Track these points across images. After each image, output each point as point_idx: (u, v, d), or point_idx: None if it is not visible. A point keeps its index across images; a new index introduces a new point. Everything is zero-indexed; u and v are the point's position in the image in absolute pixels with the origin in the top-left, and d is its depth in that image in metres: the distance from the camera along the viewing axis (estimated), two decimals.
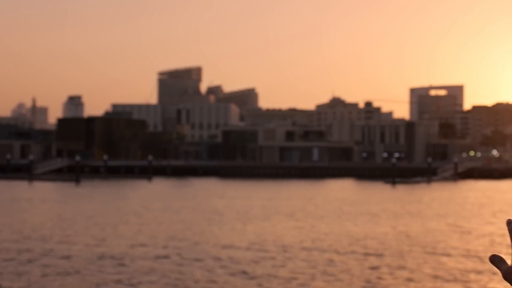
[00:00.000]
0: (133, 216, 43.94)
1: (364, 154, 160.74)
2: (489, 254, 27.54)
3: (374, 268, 24.28)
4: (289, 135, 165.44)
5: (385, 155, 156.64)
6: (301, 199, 61.24)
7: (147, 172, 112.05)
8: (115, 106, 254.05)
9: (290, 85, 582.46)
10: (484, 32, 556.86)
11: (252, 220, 41.58)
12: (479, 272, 23.55)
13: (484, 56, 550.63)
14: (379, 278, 22.40)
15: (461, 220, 42.14)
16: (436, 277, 22.64)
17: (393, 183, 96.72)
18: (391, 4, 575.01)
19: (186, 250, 28.80)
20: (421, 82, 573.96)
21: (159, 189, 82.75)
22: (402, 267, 24.41)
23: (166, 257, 27.12)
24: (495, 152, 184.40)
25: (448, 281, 21.98)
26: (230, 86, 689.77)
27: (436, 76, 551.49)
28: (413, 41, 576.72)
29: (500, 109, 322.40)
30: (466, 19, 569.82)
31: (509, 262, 1.98)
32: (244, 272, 23.53)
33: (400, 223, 40.16)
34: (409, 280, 22.13)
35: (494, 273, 22.94)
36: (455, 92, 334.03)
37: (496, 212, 48.76)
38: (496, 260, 1.97)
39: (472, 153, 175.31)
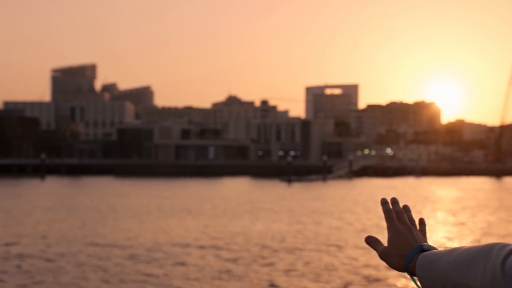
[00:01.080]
0: (23, 215, 43.07)
1: (260, 152, 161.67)
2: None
3: (269, 264, 24.46)
4: (185, 134, 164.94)
5: (281, 153, 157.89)
6: (197, 198, 61.21)
7: (40, 171, 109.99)
8: (6, 103, 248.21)
9: (186, 83, 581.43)
10: (378, 31, 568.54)
11: (147, 218, 41.32)
12: (369, 266, 24.02)
13: (378, 55, 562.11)
14: (273, 270, 22.59)
15: (354, 216, 42.88)
16: (327, 269, 22.97)
17: (289, 181, 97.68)
18: (287, 3, 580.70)
19: (71, 249, 28.43)
20: (316, 81, 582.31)
21: (52, 188, 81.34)
22: (296, 262, 24.67)
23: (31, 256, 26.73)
24: (389, 150, 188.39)
25: (339, 274, 22.33)
26: (125, 83, 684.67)
27: (331, 75, 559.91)
28: (308, 40, 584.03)
29: (393, 108, 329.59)
30: (360, 18, 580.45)
31: (385, 243, 2.07)
32: (140, 272, 23.39)
33: (296, 220, 40.58)
34: (302, 275, 22.40)
35: (388, 268, 23.42)
36: (350, 91, 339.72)
37: None
38: (372, 241, 2.10)
39: (366, 151, 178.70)
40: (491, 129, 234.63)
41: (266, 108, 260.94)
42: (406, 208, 2.14)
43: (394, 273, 22.23)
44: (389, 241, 2.05)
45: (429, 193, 71.32)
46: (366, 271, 22.90)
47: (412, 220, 2.12)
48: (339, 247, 28.73)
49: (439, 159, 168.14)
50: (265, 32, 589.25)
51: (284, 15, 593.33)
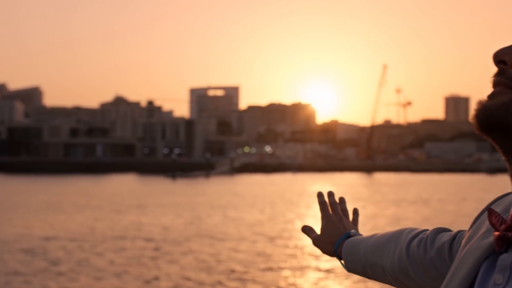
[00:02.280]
0: None
1: (146, 150, 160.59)
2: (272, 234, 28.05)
3: (152, 258, 24.24)
4: (74, 132, 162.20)
5: (166, 151, 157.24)
6: (86, 194, 60.23)
7: None
8: None
9: (74, 84, 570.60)
10: (258, 36, 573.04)
11: (35, 214, 40.36)
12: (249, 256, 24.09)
13: (258, 59, 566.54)
14: (163, 262, 22.40)
15: (236, 210, 43.01)
16: (212, 259, 22.93)
17: (174, 177, 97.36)
18: (173, 5, 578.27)
19: None
20: (200, 82, 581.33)
21: None
22: (181, 253, 24.54)
23: None
24: (268, 148, 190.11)
25: (224, 264, 22.32)
26: (15, 83, 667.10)
27: (214, 77, 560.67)
28: (193, 43, 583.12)
29: (272, 109, 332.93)
30: (241, 23, 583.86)
31: (318, 231, 2.18)
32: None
33: (181, 214, 40.41)
34: (188, 265, 22.29)
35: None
36: (232, 93, 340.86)
37: (269, 202, 50.20)
38: (306, 230, 2.21)
39: (247, 149, 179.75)
40: (362, 129, 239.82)
41: (151, 108, 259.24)
42: (341, 199, 2.24)
43: (269, 263, 22.40)
44: (321, 229, 2.15)
45: (306, 188, 72.29)
46: (249, 260, 22.95)
47: (345, 211, 2.22)
48: (221, 239, 28.73)
49: (315, 156, 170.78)
50: (151, 34, 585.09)
51: (169, 19, 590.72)
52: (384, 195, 59.31)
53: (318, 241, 2.16)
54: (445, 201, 51.13)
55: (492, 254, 1.27)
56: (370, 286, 17.93)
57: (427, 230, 1.83)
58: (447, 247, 1.65)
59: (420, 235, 1.80)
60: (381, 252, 1.90)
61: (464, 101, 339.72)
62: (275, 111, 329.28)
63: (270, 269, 21.46)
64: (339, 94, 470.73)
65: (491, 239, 1.29)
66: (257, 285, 18.77)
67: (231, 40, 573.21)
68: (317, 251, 20.03)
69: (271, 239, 28.80)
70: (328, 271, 20.83)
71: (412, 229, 1.87)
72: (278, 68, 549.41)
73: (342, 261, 2.07)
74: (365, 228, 31.40)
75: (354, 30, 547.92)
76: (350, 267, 2.03)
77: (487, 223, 1.36)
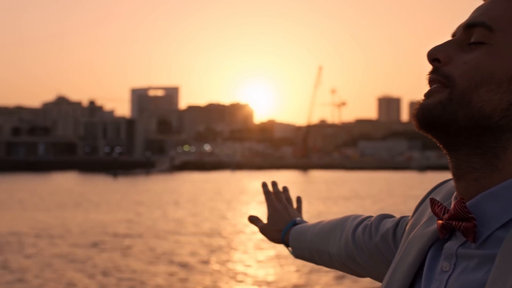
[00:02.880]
0: None
1: (88, 149, 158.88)
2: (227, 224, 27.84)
3: (88, 256, 23.87)
4: (16, 131, 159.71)
5: (107, 150, 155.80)
6: (28, 192, 59.20)
7: None
8: None
9: (16, 83, 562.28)
10: (198, 37, 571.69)
11: None
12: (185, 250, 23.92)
13: (198, 60, 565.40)
14: (109, 257, 22.06)
15: (176, 208, 42.74)
16: (151, 253, 22.68)
17: (115, 175, 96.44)
18: (115, 7, 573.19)
19: None
20: (141, 82, 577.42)
21: None
22: (123, 247, 24.24)
23: None
24: (207, 147, 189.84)
25: (166, 257, 22.10)
26: None
27: (155, 78, 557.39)
28: (134, 43, 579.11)
29: (211, 108, 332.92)
30: (181, 25, 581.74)
31: (264, 221, 2.19)
32: None
33: (119, 211, 39.97)
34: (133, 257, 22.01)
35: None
36: (172, 93, 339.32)
37: (208, 199, 50.01)
38: (253, 219, 2.23)
39: (186, 147, 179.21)
40: (298, 128, 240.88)
41: (93, 107, 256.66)
42: (285, 189, 2.25)
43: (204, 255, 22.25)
44: (268, 218, 2.16)
45: (244, 186, 72.27)
46: (188, 255, 22.78)
47: (289, 199, 2.23)
48: (161, 236, 28.47)
49: (252, 155, 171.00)
50: (93, 35, 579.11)
51: (111, 21, 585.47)
52: (319, 192, 59.58)
53: (265, 230, 2.16)
54: (377, 198, 51.60)
55: (436, 241, 1.30)
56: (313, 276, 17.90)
57: (371, 216, 1.83)
58: (391, 233, 1.66)
59: (365, 222, 1.81)
60: (327, 238, 1.91)
61: (396, 101, 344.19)
62: (214, 111, 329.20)
63: (209, 264, 21.31)
64: (276, 94, 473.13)
65: (434, 226, 1.31)
66: (199, 277, 18.60)
67: (172, 42, 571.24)
68: (262, 241, 19.81)
69: (209, 235, 28.65)
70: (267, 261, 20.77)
71: (357, 216, 1.89)
72: (217, 69, 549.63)
73: (290, 248, 2.08)
74: None
75: (291, 33, 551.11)
76: (298, 254, 2.04)
77: (429, 211, 1.39)
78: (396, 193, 57.29)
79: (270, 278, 18.47)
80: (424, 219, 1.40)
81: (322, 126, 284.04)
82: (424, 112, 1.24)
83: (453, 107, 1.21)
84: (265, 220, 2.20)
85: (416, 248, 1.33)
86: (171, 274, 19.34)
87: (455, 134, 1.22)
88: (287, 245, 2.10)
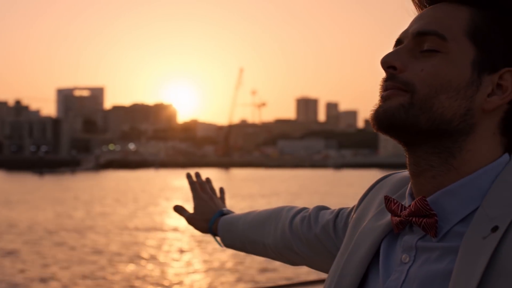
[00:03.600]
0: None
1: (14, 148, 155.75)
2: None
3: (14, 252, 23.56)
4: None
5: (33, 148, 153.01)
6: None
7: None
8: None
9: None
10: (124, 39, 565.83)
11: None
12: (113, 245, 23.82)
13: (123, 60, 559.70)
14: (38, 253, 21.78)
15: (101, 205, 42.36)
16: (70, 254, 22.50)
17: (41, 173, 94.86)
18: (41, 6, 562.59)
19: None
20: (67, 83, 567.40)
21: None
22: (51, 244, 23.96)
23: None
24: (132, 146, 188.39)
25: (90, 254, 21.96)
26: None
27: (81, 78, 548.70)
28: (61, 44, 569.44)
29: (136, 108, 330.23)
30: (109, 26, 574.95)
31: (190, 210, 2.17)
32: None
33: (45, 208, 39.41)
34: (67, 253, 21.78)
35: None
36: (97, 93, 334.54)
37: (132, 197, 49.70)
38: (178, 209, 2.19)
39: (112, 146, 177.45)
40: (220, 128, 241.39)
41: (19, 107, 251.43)
42: (208, 180, 2.23)
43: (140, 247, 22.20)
44: (194, 208, 2.15)
45: (167, 183, 72.01)
46: (113, 252, 22.67)
47: (213, 190, 2.22)
48: (86, 233, 28.23)
49: (176, 153, 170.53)
50: (20, 35, 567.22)
51: (39, 21, 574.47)
52: (240, 189, 59.78)
53: (192, 220, 2.14)
54: (296, 195, 52.09)
55: (388, 234, 1.34)
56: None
57: (306, 208, 1.84)
58: (332, 224, 1.67)
59: (302, 213, 1.81)
60: (261, 229, 1.91)
61: (313, 102, 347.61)
62: (138, 111, 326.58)
63: (135, 259, 21.26)
64: (199, 95, 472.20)
65: (385, 221, 1.35)
66: (119, 276, 18.55)
67: (98, 43, 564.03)
68: (189, 230, 19.86)
69: (134, 230, 28.53)
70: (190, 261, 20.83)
71: (291, 207, 1.89)
72: (142, 70, 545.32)
73: (218, 238, 2.08)
74: None
75: (214, 36, 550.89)
76: (228, 243, 2.04)
77: (375, 205, 1.44)
78: (314, 190, 57.87)
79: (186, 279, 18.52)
80: (371, 213, 1.43)
81: (243, 125, 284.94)
82: (386, 114, 1.25)
83: (416, 111, 1.23)
84: (191, 210, 2.18)
85: (368, 241, 1.35)
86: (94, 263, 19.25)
87: (415, 135, 1.25)
88: (214, 235, 2.09)
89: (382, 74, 1.21)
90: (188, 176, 2.22)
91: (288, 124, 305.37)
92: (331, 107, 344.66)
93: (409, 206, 1.27)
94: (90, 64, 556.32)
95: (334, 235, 1.66)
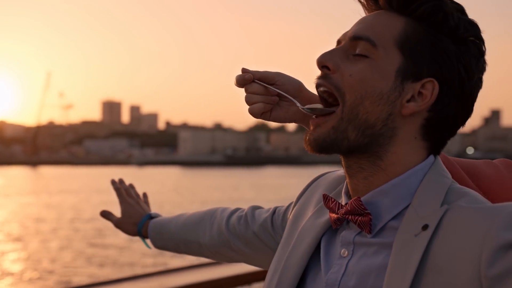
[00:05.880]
0: None
1: None
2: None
3: None
4: None
5: None
6: None
7: None
8: None
9: None
10: None
11: None
12: None
13: None
14: None
15: None
16: None
17: None
18: None
19: None
20: None
21: None
22: None
23: None
24: None
25: None
26: None
27: None
28: None
29: None
30: None
31: (118, 215, 2.10)
32: None
33: None
34: None
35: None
36: None
37: None
38: (106, 214, 2.12)
39: None
40: (28, 129, 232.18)
41: None
42: (131, 185, 2.15)
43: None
44: (122, 212, 2.08)
45: None
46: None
47: (137, 195, 2.14)
48: None
49: None
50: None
51: None
52: (47, 186, 57.35)
53: (120, 224, 2.07)
54: (104, 192, 50.74)
55: (328, 230, 1.36)
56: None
57: (240, 208, 1.83)
58: (269, 222, 1.67)
59: (237, 213, 1.80)
60: (196, 230, 1.88)
61: (117, 105, 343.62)
62: None
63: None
64: (7, 96, 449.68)
65: (324, 218, 1.37)
66: None
67: None
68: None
69: None
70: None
71: (224, 208, 1.87)
72: None
73: (148, 240, 2.03)
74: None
75: (23, 39, 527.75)
76: (159, 244, 1.99)
77: (313, 203, 1.46)
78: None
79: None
80: (310, 211, 1.45)
81: (51, 126, 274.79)
82: (317, 142, 1.27)
83: (344, 125, 1.25)
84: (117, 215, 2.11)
85: (309, 237, 1.36)
86: None
87: (346, 147, 1.27)
88: (143, 237, 2.04)
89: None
90: (113, 182, 2.14)
91: (94, 125, 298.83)
92: (134, 109, 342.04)
93: (346, 205, 1.29)
94: None
95: (273, 232, 1.67)
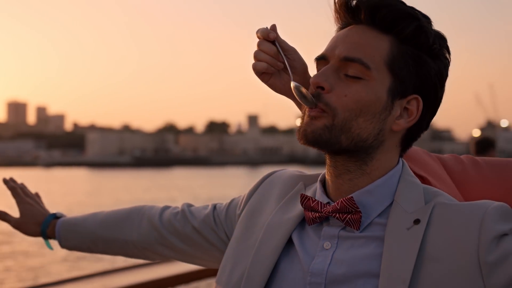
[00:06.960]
0: None
1: None
2: None
3: None
4: None
5: None
6: None
7: None
8: None
9: None
10: None
11: None
12: None
13: None
14: None
15: None
16: None
17: None
18: None
19: None
20: None
21: None
22: None
23: None
24: None
25: None
26: None
27: None
28: None
29: None
30: None
31: (17, 216, 1.94)
32: None
33: None
34: None
35: None
36: None
37: None
38: (1, 215, 1.94)
39: None
40: None
41: None
42: (23, 185, 2.02)
43: None
44: (21, 212, 1.92)
45: None
46: None
47: (36, 194, 2.00)
48: None
49: None
50: None
51: None
52: None
53: (20, 224, 1.91)
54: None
55: (297, 226, 1.40)
56: None
57: (169, 206, 1.77)
58: (211, 217, 1.65)
59: (170, 209, 1.75)
60: (121, 226, 1.78)
61: (23, 106, 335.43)
62: None
63: None
64: None
65: (291, 214, 1.42)
66: None
67: None
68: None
69: None
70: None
71: (151, 206, 1.80)
72: None
73: (51, 241, 1.90)
74: None
75: None
76: (70, 245, 1.85)
77: (273, 198, 1.50)
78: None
79: None
80: (272, 206, 1.49)
81: None
82: (314, 134, 1.31)
83: (337, 132, 1.31)
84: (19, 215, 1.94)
85: (280, 233, 1.40)
86: None
87: (337, 150, 1.34)
88: (47, 238, 1.88)
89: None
90: (6, 181, 2.01)
91: None
92: (41, 110, 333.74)
93: (334, 204, 1.35)
94: None
95: (216, 227, 1.64)
